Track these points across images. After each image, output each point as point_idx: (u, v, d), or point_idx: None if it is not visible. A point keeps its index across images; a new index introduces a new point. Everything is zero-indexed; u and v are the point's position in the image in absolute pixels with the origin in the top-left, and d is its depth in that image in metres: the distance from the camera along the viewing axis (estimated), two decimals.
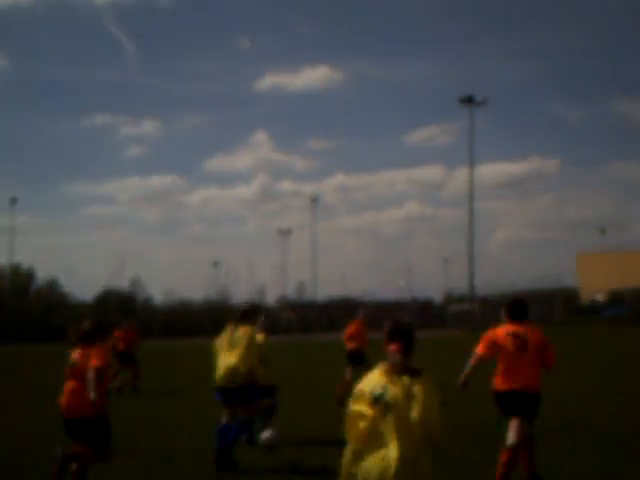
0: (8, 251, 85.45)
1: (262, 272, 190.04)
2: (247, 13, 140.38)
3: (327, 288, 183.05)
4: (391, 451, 4.23)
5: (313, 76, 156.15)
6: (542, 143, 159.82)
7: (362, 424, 4.36)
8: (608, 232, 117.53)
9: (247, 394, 8.50)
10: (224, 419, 8.68)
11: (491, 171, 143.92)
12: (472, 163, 63.10)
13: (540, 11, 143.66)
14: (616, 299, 73.34)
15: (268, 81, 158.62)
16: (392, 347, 4.58)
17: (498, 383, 7.33)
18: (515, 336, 7.26)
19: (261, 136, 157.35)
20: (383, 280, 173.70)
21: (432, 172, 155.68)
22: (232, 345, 8.55)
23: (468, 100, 59.97)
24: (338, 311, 76.17)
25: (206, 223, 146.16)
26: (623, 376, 18.40)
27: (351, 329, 15.09)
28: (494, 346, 7.31)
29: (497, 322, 7.66)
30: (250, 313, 8.90)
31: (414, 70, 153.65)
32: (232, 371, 8.50)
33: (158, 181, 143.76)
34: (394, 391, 4.35)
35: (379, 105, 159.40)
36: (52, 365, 13.75)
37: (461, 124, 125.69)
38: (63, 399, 7.70)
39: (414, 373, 4.45)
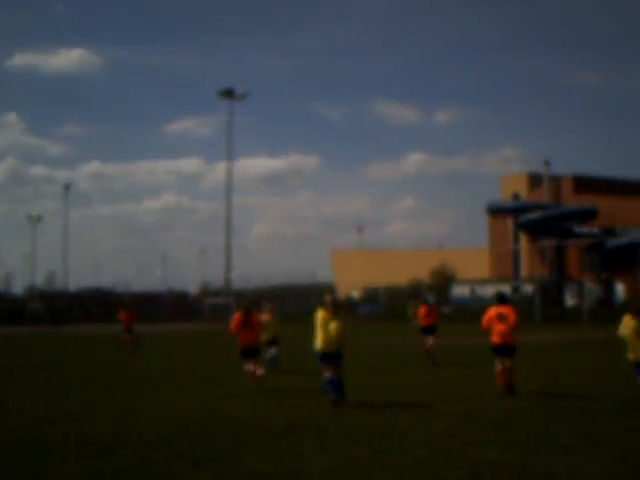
0: None
1: (9, 260, 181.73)
2: None
3: (79, 278, 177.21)
4: None
5: (69, 58, 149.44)
6: (302, 140, 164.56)
7: None
8: (365, 230, 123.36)
9: (340, 356, 12.28)
10: (328, 375, 12.13)
11: (251, 166, 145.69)
12: (230, 157, 63.51)
13: (305, 8, 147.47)
14: (371, 296, 76.24)
15: (19, 60, 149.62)
16: None
17: (495, 340, 13.10)
18: (502, 313, 13.02)
19: (11, 117, 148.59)
20: (138, 271, 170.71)
21: (191, 164, 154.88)
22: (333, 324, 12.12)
23: (228, 93, 59.67)
24: (91, 302, 73.74)
25: None
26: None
27: (422, 311, 20.83)
28: (490, 319, 13.16)
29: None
30: (339, 304, 12.24)
31: (175, 60, 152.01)
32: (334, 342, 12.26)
33: None
34: None
35: (138, 93, 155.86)
36: None
37: (221, 117, 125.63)
38: None
39: None
